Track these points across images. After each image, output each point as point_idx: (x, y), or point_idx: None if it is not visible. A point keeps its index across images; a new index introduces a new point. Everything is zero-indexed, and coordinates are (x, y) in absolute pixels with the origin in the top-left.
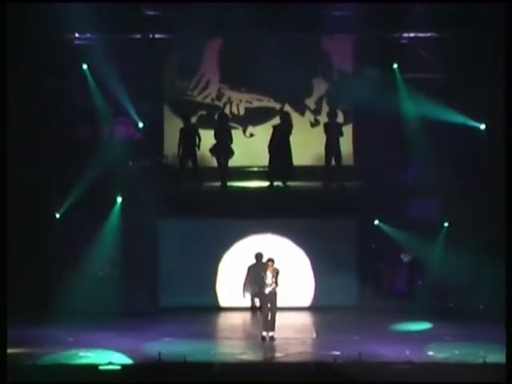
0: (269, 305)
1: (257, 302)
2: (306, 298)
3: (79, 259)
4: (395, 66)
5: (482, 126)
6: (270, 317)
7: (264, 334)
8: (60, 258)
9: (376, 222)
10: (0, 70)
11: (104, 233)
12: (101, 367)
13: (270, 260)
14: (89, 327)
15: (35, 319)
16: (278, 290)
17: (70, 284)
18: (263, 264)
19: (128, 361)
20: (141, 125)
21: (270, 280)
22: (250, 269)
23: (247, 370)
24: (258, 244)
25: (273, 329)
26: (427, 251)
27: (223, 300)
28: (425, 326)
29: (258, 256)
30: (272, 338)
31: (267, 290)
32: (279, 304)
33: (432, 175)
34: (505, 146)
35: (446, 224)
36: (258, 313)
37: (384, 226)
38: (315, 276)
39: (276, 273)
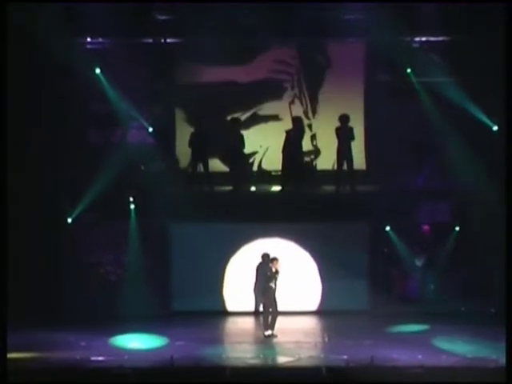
0: (270, 308)
1: (261, 306)
2: (315, 303)
3: (91, 263)
4: (409, 70)
5: (495, 128)
6: (270, 319)
7: (266, 333)
8: (72, 262)
9: (388, 227)
10: (2, 71)
11: (116, 237)
12: (113, 371)
13: (274, 259)
14: (101, 331)
15: (47, 323)
16: (279, 283)
17: (82, 288)
18: (268, 265)
19: (140, 364)
20: (152, 129)
21: (273, 279)
22: (258, 269)
23: (259, 374)
24: (264, 248)
25: (273, 328)
26: (439, 255)
27: (231, 304)
28: (437, 329)
29: (265, 256)
30: (273, 336)
31: (269, 291)
32: (287, 308)
33: (444, 179)
34: (506, 146)
35: (457, 228)
36: (270, 316)
37: (396, 230)
38: (324, 280)
39: (276, 271)
